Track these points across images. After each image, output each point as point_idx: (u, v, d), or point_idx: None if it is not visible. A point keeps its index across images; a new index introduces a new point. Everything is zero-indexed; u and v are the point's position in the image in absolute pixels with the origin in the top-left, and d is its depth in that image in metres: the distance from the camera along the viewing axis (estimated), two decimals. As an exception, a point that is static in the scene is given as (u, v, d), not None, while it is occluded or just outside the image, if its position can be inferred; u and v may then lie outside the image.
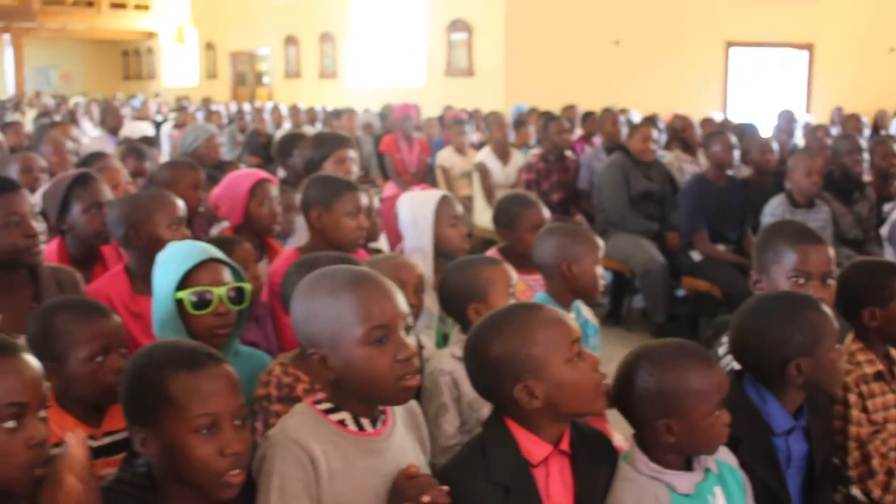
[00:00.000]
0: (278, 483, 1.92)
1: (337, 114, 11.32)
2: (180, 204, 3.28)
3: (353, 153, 4.67)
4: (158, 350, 1.90)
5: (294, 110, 11.36)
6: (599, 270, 3.14)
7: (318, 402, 2.04)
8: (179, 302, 2.52)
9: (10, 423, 1.66)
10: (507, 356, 2.00)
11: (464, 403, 2.73)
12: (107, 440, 2.30)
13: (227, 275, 2.61)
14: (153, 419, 1.80)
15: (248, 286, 2.66)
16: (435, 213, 3.61)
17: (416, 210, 3.66)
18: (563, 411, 2.02)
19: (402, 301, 1.97)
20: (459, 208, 3.74)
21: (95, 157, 4.90)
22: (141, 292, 3.04)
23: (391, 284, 1.99)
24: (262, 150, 10.37)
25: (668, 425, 2.03)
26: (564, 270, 3.09)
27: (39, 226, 2.97)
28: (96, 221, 3.44)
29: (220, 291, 2.55)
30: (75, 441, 1.67)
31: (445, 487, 1.93)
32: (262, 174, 3.97)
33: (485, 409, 2.72)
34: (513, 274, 2.93)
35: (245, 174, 4.01)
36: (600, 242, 3.22)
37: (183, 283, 2.51)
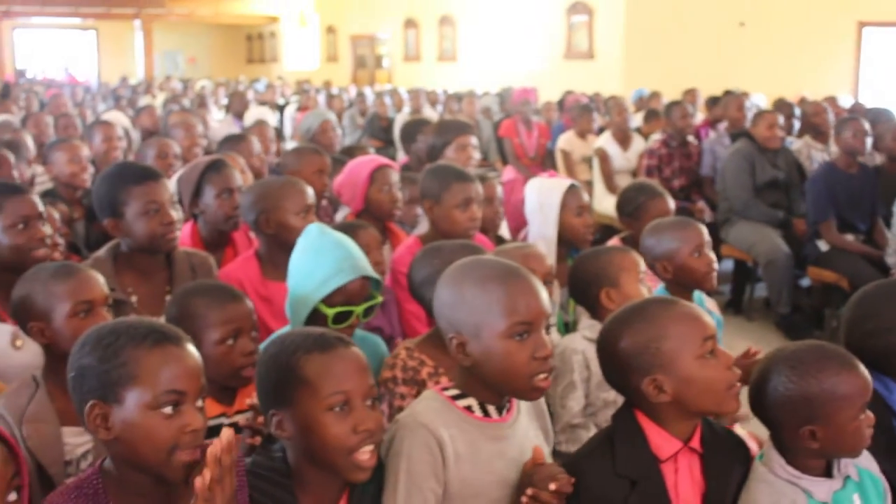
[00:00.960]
0: (406, 465, 1.97)
1: (457, 97, 11.34)
2: (310, 191, 3.34)
3: (474, 140, 4.69)
4: (290, 336, 1.95)
5: (414, 94, 11.42)
6: (705, 259, 3.06)
7: (446, 388, 2.08)
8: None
9: (168, 410, 1.72)
10: (638, 349, 2.01)
11: (593, 383, 2.79)
12: (238, 418, 2.37)
13: (367, 287, 2.61)
14: (288, 401, 1.86)
15: (379, 301, 2.66)
16: (562, 202, 3.61)
17: (543, 197, 3.66)
18: (691, 408, 2.01)
19: (546, 299, 1.99)
20: (586, 198, 3.72)
21: (232, 140, 5.04)
22: (271, 277, 3.13)
23: (538, 282, 2.00)
24: (383, 133, 10.49)
25: (812, 431, 1.99)
26: (661, 270, 3.07)
27: (176, 214, 3.07)
28: (227, 206, 3.54)
29: (359, 310, 2.57)
30: (227, 436, 1.69)
31: (572, 479, 1.95)
32: (382, 160, 4.02)
33: (612, 391, 2.74)
34: (641, 262, 2.97)
35: (365, 161, 4.07)
36: (702, 229, 3.12)
37: (329, 297, 2.52)
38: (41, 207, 2.95)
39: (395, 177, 3.92)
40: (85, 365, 1.77)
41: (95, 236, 4.41)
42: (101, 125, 5.68)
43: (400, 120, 10.01)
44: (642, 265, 2.96)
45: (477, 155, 4.71)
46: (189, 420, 1.74)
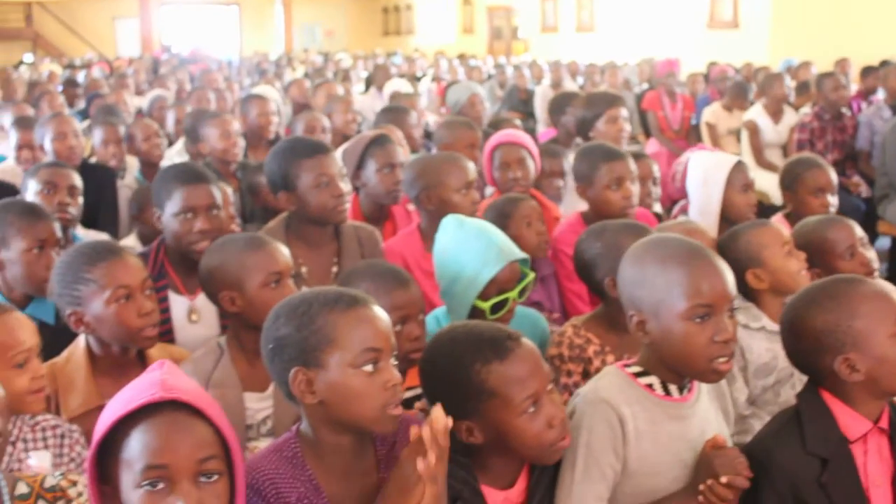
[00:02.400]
0: (586, 439, 2.00)
1: (599, 69, 11.20)
2: (471, 168, 3.37)
3: (625, 112, 4.65)
4: (460, 343, 1.95)
5: (555, 65, 11.33)
6: (859, 260, 2.90)
7: (628, 365, 2.08)
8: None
9: (369, 368, 1.78)
10: (828, 328, 1.98)
11: (749, 372, 2.73)
12: (408, 394, 2.42)
13: (517, 268, 2.61)
14: (476, 412, 1.89)
15: (531, 278, 2.65)
16: (727, 178, 3.54)
17: (708, 173, 3.60)
18: (884, 388, 1.98)
19: (731, 281, 1.97)
20: (752, 175, 3.65)
21: (391, 113, 5.12)
22: (433, 251, 3.17)
23: (723, 264, 1.98)
24: (522, 105, 10.45)
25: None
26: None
27: (346, 186, 3.13)
28: (389, 181, 3.60)
29: (514, 294, 2.57)
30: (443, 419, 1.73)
31: (749, 473, 1.94)
32: (503, 137, 4.01)
33: (771, 376, 2.70)
34: (784, 232, 2.86)
35: (494, 137, 4.08)
36: (853, 228, 2.96)
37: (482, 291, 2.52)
38: (215, 198, 2.99)
39: (517, 154, 3.91)
40: (283, 335, 1.83)
41: (249, 209, 4.56)
42: (255, 99, 5.83)
43: (540, 92, 9.96)
44: (786, 235, 2.84)
45: (628, 127, 4.67)
46: (389, 375, 1.80)
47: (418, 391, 2.40)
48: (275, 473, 1.82)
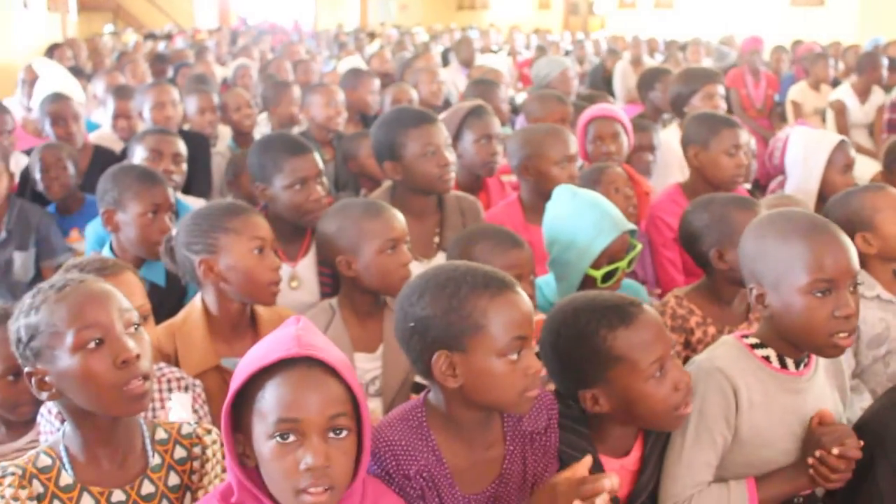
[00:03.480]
0: (699, 406, 2.02)
1: (681, 46, 11.05)
2: (572, 141, 3.38)
3: (721, 88, 4.61)
4: (582, 309, 1.96)
5: (634, 42, 11.20)
6: None
7: (746, 336, 2.10)
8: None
9: (514, 356, 1.79)
10: None
11: (862, 343, 2.71)
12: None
13: (627, 239, 2.64)
14: (602, 379, 1.91)
15: (639, 249, 2.67)
16: (829, 157, 3.51)
17: (809, 151, 3.57)
18: None
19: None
20: (853, 155, 3.60)
21: (481, 85, 5.15)
22: (532, 221, 3.20)
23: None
24: (605, 84, 10.35)
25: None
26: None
27: (451, 156, 3.17)
28: (485, 152, 3.63)
29: (623, 264, 2.61)
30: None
31: (860, 442, 1.95)
32: (597, 111, 4.01)
33: (882, 347, 2.68)
34: None
35: (588, 110, 4.09)
36: None
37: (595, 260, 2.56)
38: (320, 167, 3.06)
39: (611, 128, 3.91)
40: (427, 316, 1.81)
41: (345, 178, 4.63)
42: (356, 73, 5.89)
43: (619, 69, 9.86)
44: None
45: (723, 104, 4.63)
46: (530, 362, 1.80)
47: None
48: (397, 443, 1.85)
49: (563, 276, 2.63)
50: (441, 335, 1.79)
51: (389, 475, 1.83)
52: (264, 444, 1.57)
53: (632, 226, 2.65)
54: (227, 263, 2.43)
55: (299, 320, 1.70)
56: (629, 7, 20.02)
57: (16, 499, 1.68)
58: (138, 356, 1.69)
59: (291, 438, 1.55)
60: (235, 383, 1.60)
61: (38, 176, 3.89)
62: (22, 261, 3.60)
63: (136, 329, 1.73)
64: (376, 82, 5.71)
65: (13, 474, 1.70)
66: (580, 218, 2.60)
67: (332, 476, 1.55)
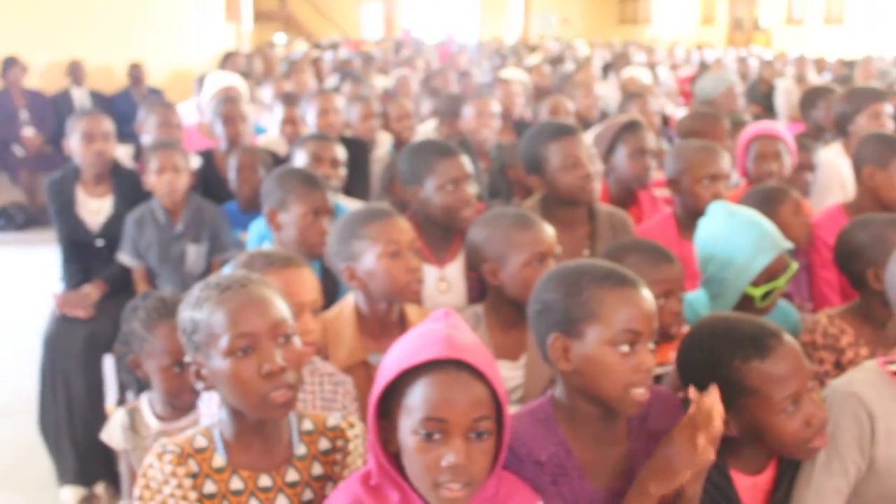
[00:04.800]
0: (832, 431, 1.99)
1: (849, 64, 10.69)
2: (724, 159, 3.35)
3: (889, 108, 4.47)
4: (721, 335, 1.97)
5: (799, 59, 10.91)
6: None
7: (891, 362, 2.06)
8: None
9: (625, 348, 1.83)
10: None
11: None
12: (658, 370, 2.46)
13: (785, 259, 2.61)
14: (732, 406, 1.90)
15: (795, 269, 2.63)
16: None
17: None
18: None
19: None
20: None
21: (633, 99, 5.16)
22: (686, 237, 3.18)
23: None
24: (765, 99, 10.12)
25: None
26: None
27: (593, 166, 3.21)
28: (639, 166, 3.65)
29: (781, 283, 2.57)
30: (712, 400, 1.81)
31: None
32: (760, 129, 3.94)
33: None
34: None
35: (750, 127, 4.03)
36: None
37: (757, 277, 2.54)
38: (470, 169, 3.15)
39: (774, 147, 3.83)
40: (549, 300, 1.91)
41: (499, 187, 4.71)
42: (501, 83, 5.98)
43: (782, 86, 9.62)
44: None
45: (891, 124, 4.49)
46: (643, 359, 1.84)
47: (667, 369, 2.46)
48: (527, 434, 1.90)
49: (718, 294, 2.63)
50: (559, 318, 1.88)
51: (521, 461, 1.87)
52: (409, 437, 1.64)
53: (790, 245, 2.62)
54: (365, 269, 2.55)
55: (449, 315, 1.77)
56: (797, 23, 19.44)
57: (174, 475, 1.82)
58: (283, 368, 1.78)
59: (436, 437, 1.62)
60: (386, 376, 1.68)
61: (232, 175, 4.12)
62: (195, 254, 3.82)
63: (286, 339, 1.82)
64: (519, 88, 5.76)
65: (172, 452, 1.84)
66: (739, 236, 2.59)
67: (471, 474, 1.62)
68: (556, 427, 1.93)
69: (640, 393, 1.84)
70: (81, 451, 3.74)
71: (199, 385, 1.85)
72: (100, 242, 4.07)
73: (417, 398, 1.63)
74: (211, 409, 2.25)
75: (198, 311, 1.82)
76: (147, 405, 2.66)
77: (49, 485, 3.80)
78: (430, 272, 3.11)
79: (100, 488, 3.75)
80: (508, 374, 2.61)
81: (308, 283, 2.34)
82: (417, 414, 1.63)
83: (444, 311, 1.80)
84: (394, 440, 1.69)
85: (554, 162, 3.19)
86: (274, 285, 1.91)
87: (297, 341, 1.85)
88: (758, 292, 2.53)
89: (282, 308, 1.84)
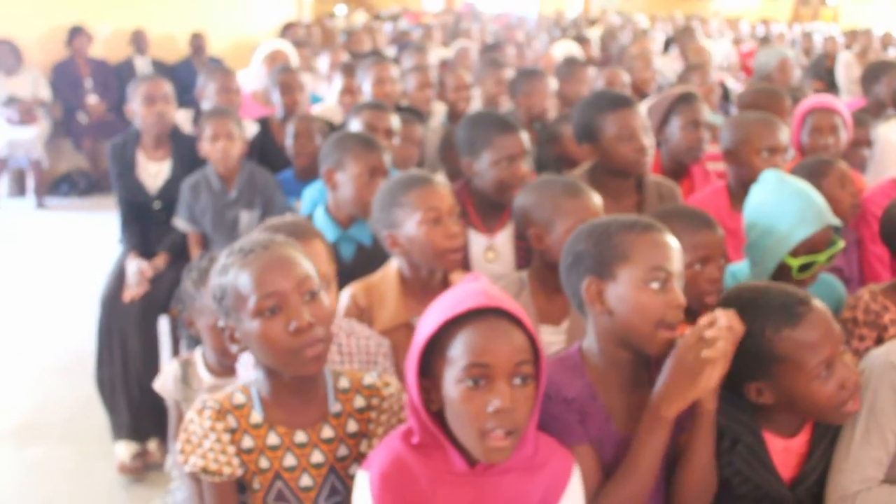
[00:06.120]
0: (871, 401, 2.01)
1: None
2: (782, 132, 3.31)
3: (955, 83, 4.38)
4: (751, 305, 1.98)
5: (865, 33, 10.69)
6: None
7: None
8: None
9: (655, 286, 1.91)
10: None
11: None
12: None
13: (829, 234, 2.59)
14: (765, 374, 1.93)
15: (840, 248, 2.60)
16: None
17: None
18: None
19: None
20: None
21: (692, 70, 5.12)
22: (738, 209, 3.16)
23: None
24: (828, 75, 9.95)
25: None
26: None
27: (648, 140, 3.20)
28: (692, 138, 3.63)
29: (822, 259, 2.55)
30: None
31: None
32: (816, 102, 3.89)
33: None
34: None
35: (807, 101, 3.98)
36: None
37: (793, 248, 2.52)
38: (527, 146, 3.17)
39: (831, 121, 3.79)
40: (581, 250, 2.00)
41: (546, 160, 4.70)
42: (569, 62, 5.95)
43: (843, 60, 9.44)
44: None
45: (953, 102, 4.40)
46: (674, 296, 1.91)
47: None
48: (556, 375, 1.96)
49: (758, 262, 2.61)
50: (591, 264, 1.97)
51: (549, 398, 1.91)
52: (453, 387, 1.68)
53: (836, 221, 2.58)
54: (406, 236, 2.58)
55: (479, 277, 1.81)
56: (865, -1, 19.02)
57: (213, 430, 1.88)
58: (311, 324, 1.81)
59: (481, 383, 1.66)
60: (427, 330, 1.71)
61: (288, 143, 4.18)
62: (248, 219, 3.89)
63: (312, 296, 1.86)
64: (590, 73, 5.73)
65: (211, 408, 1.90)
66: (784, 204, 2.57)
67: (515, 420, 1.66)
68: (584, 373, 1.99)
69: (669, 333, 1.90)
70: (135, 408, 3.85)
71: (234, 348, 1.90)
72: (157, 205, 4.16)
73: (460, 347, 1.67)
74: (248, 371, 2.30)
75: (224, 276, 1.87)
76: (200, 359, 2.74)
77: (104, 439, 3.91)
78: (479, 241, 3.14)
79: (152, 444, 3.85)
80: (551, 339, 2.63)
81: (319, 255, 2.39)
82: (461, 362, 1.66)
83: (474, 274, 1.84)
84: (435, 398, 1.73)
85: (609, 132, 3.18)
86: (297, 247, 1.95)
87: (324, 297, 1.89)
88: (795, 263, 2.51)
89: (306, 265, 1.89)
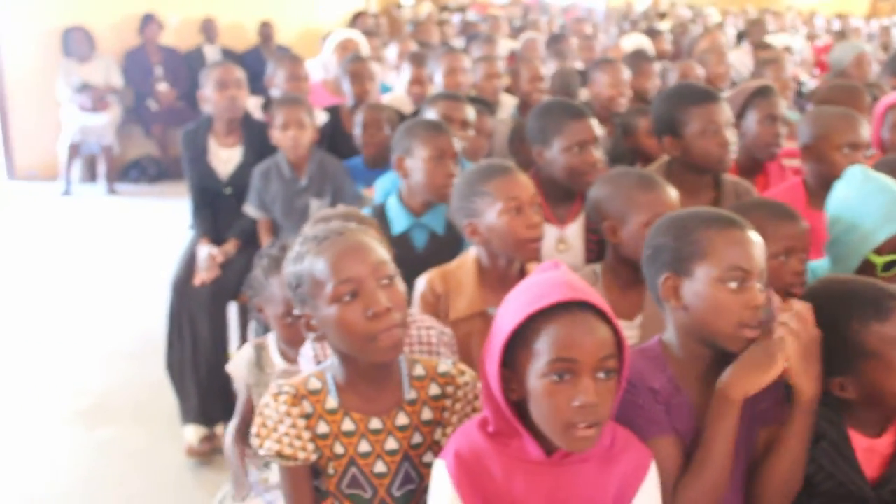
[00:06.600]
0: None
1: None
2: (863, 129, 3.23)
3: None
4: (838, 297, 1.94)
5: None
6: None
7: None
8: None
9: (733, 285, 1.86)
10: None
11: None
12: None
13: None
14: (850, 369, 1.88)
15: None
16: None
17: None
18: None
19: None
20: None
21: (767, 65, 5.03)
22: (815, 206, 3.10)
23: None
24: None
25: None
26: None
27: (732, 136, 3.15)
28: (769, 133, 3.55)
29: None
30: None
31: None
32: (894, 99, 3.79)
33: None
34: None
35: (888, 96, 3.88)
36: None
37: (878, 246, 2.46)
38: (598, 132, 3.15)
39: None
40: (660, 244, 1.97)
41: (621, 152, 4.65)
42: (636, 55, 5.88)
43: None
44: None
45: None
46: (752, 296, 1.86)
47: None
48: (640, 365, 1.93)
49: (840, 259, 2.55)
50: (669, 259, 1.94)
51: (635, 387, 1.89)
52: (537, 381, 1.66)
53: None
54: (486, 225, 2.57)
55: (559, 266, 1.79)
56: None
57: (288, 415, 1.88)
58: (389, 309, 1.81)
59: (566, 377, 1.64)
60: (512, 322, 1.68)
61: (358, 132, 4.19)
62: (318, 207, 3.89)
63: (389, 281, 1.85)
64: (657, 67, 5.66)
65: (287, 393, 1.89)
66: (870, 201, 2.50)
67: (598, 414, 1.65)
68: (666, 366, 1.96)
69: (752, 332, 1.86)
70: (204, 392, 3.89)
71: (311, 336, 1.90)
72: (228, 191, 4.20)
73: (546, 341, 1.65)
74: (308, 365, 2.31)
75: (299, 264, 1.87)
76: (274, 344, 2.75)
77: (174, 422, 3.97)
78: (550, 232, 3.12)
79: (220, 429, 3.89)
80: (624, 334, 2.59)
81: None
82: (546, 356, 1.65)
83: (553, 262, 1.82)
84: (515, 388, 1.71)
85: (693, 127, 3.13)
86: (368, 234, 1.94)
87: (399, 282, 1.88)
88: (880, 261, 2.44)
89: (381, 251, 1.88)
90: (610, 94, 4.76)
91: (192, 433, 3.86)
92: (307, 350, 2.36)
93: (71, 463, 3.83)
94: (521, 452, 1.76)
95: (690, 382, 1.95)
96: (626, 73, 4.87)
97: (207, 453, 3.82)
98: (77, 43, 8.69)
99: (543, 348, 1.65)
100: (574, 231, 3.15)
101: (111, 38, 9.10)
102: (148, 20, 9.15)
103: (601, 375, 1.66)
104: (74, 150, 8.66)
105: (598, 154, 3.10)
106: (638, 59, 5.58)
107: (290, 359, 2.69)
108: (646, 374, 1.92)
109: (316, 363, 2.24)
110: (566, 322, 1.65)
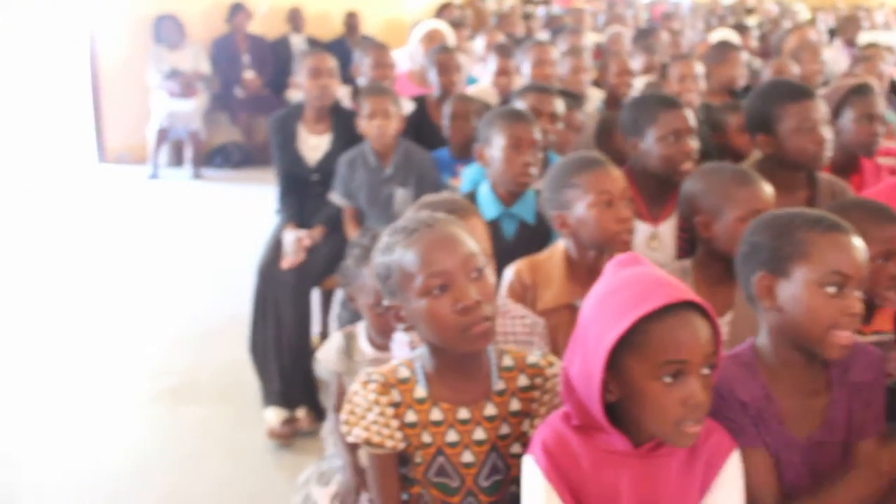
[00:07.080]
0: None
1: None
2: None
3: None
4: None
5: None
6: None
7: None
8: None
9: (832, 290, 1.83)
10: None
11: None
12: (873, 338, 2.34)
13: None
14: None
15: None
16: None
17: None
18: None
19: None
20: None
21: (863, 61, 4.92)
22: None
23: None
24: None
25: None
26: None
27: (828, 133, 3.09)
28: (865, 132, 3.48)
29: None
30: None
31: None
32: None
33: None
34: None
35: None
36: None
37: None
38: (693, 122, 3.12)
39: None
40: (757, 241, 1.95)
41: (709, 148, 4.58)
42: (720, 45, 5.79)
43: None
44: None
45: None
46: (850, 303, 1.83)
47: (883, 337, 2.35)
48: (730, 374, 1.91)
49: None
50: (766, 258, 1.91)
51: (724, 398, 1.87)
52: (647, 383, 1.65)
53: None
54: (576, 217, 2.57)
55: (638, 259, 1.79)
56: None
57: (377, 403, 1.89)
58: (479, 302, 1.79)
59: (678, 378, 1.64)
60: (619, 326, 1.65)
61: (445, 122, 4.21)
62: (402, 196, 3.91)
63: (479, 273, 1.83)
64: (744, 56, 5.55)
65: (376, 381, 1.91)
66: None
67: (705, 409, 1.66)
68: (758, 373, 1.93)
69: (845, 336, 1.82)
70: (286, 376, 3.94)
71: (400, 326, 1.90)
72: (315, 177, 4.24)
73: (656, 343, 1.64)
74: (402, 351, 2.31)
75: (388, 255, 1.86)
76: (363, 332, 2.77)
77: (256, 404, 4.02)
78: (642, 229, 3.11)
79: (301, 412, 3.93)
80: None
81: (478, 232, 2.37)
82: (658, 358, 1.63)
83: (632, 255, 1.81)
84: (614, 389, 1.70)
85: (789, 123, 3.08)
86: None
87: (489, 273, 1.87)
88: None
89: (470, 244, 1.86)
90: (678, 90, 4.68)
91: (274, 415, 3.90)
92: (401, 335, 2.37)
93: (153, 441, 3.91)
94: (608, 444, 1.75)
95: (784, 390, 1.91)
96: (698, 68, 4.76)
97: (288, 436, 3.86)
98: (168, 30, 8.86)
99: (653, 350, 1.64)
100: (667, 229, 3.13)
101: (200, 25, 9.26)
102: (236, 9, 9.28)
103: (705, 371, 1.66)
104: (162, 135, 8.85)
105: (694, 144, 3.08)
106: (723, 49, 5.48)
107: (380, 346, 2.71)
108: (735, 384, 1.90)
109: (411, 349, 2.25)
110: (675, 323, 1.64)
